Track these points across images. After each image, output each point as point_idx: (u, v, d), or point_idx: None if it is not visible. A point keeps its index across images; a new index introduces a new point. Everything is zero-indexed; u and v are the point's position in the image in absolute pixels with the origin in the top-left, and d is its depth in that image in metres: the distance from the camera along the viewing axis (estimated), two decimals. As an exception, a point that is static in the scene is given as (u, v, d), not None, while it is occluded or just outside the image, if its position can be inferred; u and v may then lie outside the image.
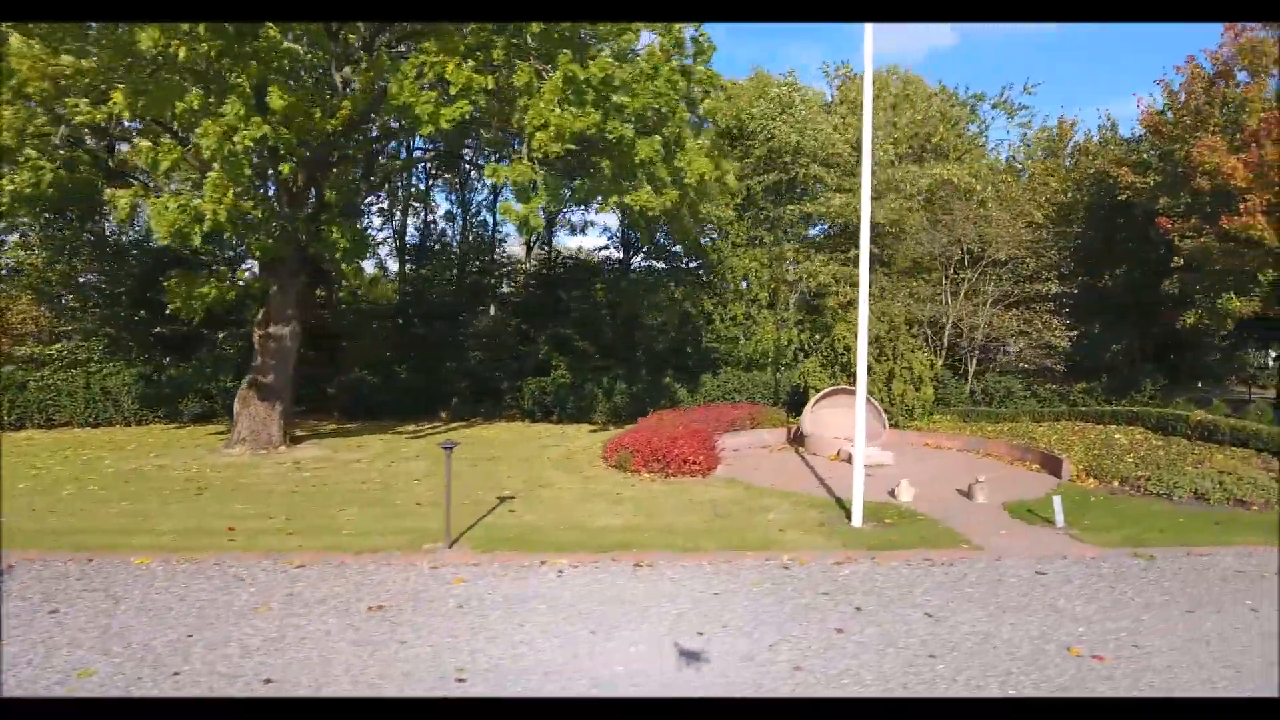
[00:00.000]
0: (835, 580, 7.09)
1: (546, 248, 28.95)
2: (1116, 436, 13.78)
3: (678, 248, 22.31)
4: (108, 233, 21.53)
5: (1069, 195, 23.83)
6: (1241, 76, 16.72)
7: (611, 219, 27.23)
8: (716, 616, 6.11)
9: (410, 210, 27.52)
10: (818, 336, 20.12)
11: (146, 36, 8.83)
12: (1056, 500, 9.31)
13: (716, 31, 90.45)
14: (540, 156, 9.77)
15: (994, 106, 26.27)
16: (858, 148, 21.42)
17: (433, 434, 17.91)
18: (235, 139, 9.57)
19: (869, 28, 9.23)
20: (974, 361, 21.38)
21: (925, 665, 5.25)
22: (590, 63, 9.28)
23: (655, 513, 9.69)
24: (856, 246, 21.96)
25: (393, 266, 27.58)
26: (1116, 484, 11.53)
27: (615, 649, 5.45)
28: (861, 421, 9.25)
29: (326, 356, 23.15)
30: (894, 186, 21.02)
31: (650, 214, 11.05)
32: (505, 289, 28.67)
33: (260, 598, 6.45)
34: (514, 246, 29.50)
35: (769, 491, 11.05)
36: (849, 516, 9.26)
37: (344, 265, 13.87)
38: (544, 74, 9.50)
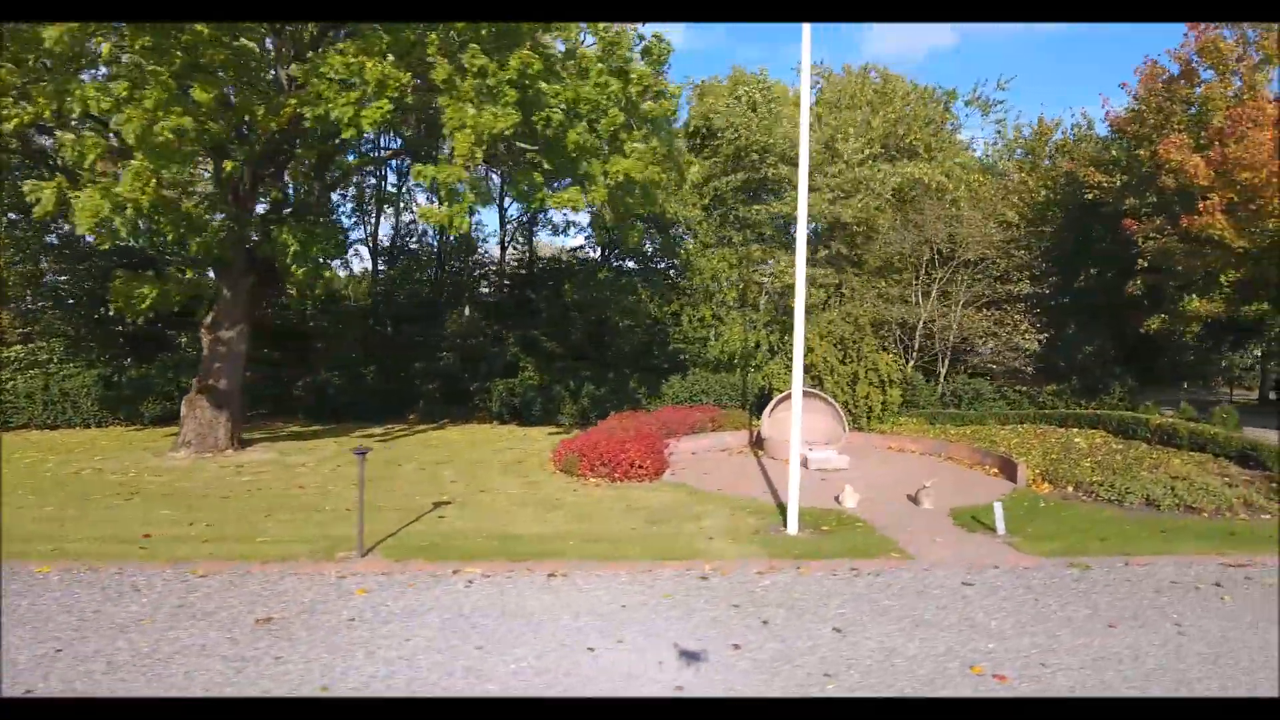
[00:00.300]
0: (752, 592, 6.87)
1: (524, 247, 28.70)
2: (1076, 440, 13.57)
3: (649, 248, 22.06)
4: (78, 233, 21.27)
5: (1042, 196, 23.62)
6: (1209, 75, 16.51)
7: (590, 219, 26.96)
8: (615, 631, 5.89)
9: (387, 209, 27.31)
10: (786, 338, 19.89)
11: (49, 36, 8.60)
12: (997, 507, 9.10)
13: (716, 32, 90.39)
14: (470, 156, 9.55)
15: (967, 104, 26.08)
16: (829, 147, 21.21)
17: (400, 436, 17.69)
18: (156, 128, 9.31)
19: (806, 28, 9.08)
20: (945, 363, 21.16)
21: (817, 686, 5.04)
22: (510, 59, 9.06)
23: (588, 519, 9.47)
24: (826, 247, 21.87)
25: (363, 267, 27.36)
26: (1071, 489, 11.34)
27: (496, 665, 5.23)
28: (797, 424, 9.05)
29: (295, 357, 22.87)
30: (863, 185, 20.78)
31: (578, 210, 10.87)
32: (484, 289, 28.43)
33: (149, 609, 6.23)
34: (495, 246, 29.27)
35: (713, 496, 10.83)
36: (786, 523, 9.05)
37: (294, 267, 13.63)
38: (466, 70, 9.29)
